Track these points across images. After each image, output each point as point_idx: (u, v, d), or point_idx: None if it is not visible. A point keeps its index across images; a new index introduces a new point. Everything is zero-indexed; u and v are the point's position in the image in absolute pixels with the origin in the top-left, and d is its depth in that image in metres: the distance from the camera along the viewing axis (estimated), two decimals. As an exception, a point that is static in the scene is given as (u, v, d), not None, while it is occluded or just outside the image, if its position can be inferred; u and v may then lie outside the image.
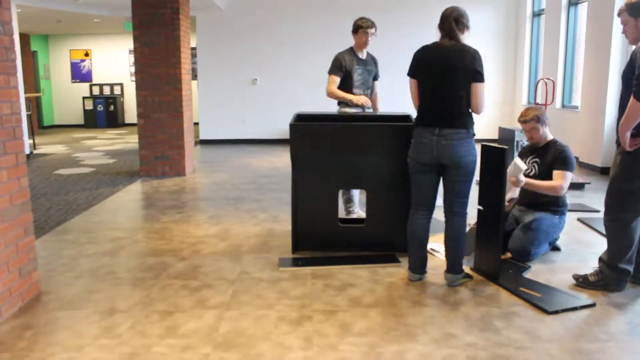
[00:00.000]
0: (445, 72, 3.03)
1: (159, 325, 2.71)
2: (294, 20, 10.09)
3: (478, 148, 3.05)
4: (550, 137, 3.80)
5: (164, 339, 2.57)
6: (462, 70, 2.99)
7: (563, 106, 8.38)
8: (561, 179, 3.58)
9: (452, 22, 3.05)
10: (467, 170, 3.08)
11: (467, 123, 3.05)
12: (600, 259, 3.15)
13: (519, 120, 3.78)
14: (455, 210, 3.16)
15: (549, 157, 3.70)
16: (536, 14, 9.61)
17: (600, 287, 3.10)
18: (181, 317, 2.80)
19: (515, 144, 7.09)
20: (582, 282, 3.18)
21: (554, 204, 3.69)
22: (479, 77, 3.00)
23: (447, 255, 3.22)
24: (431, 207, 3.25)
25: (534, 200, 3.76)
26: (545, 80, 7.97)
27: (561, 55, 8.33)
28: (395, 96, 8.65)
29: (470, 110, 3.07)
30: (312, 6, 10.05)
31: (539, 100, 8.42)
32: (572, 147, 3.66)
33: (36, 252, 3.20)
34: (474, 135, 3.09)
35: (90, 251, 3.92)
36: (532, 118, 3.72)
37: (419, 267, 3.29)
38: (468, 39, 3.13)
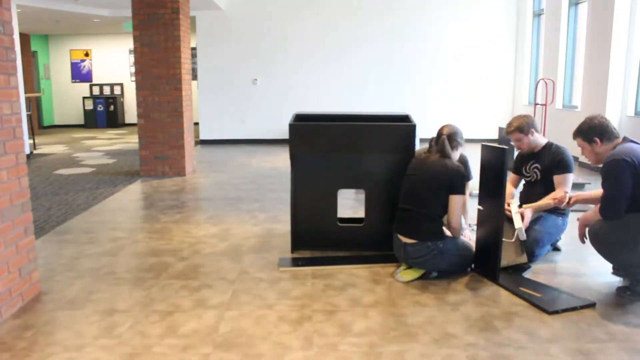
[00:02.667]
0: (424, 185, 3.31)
1: (159, 325, 2.71)
2: (294, 20, 10.08)
3: (478, 148, 3.05)
4: (544, 141, 3.77)
5: (164, 339, 2.57)
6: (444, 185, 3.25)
7: (563, 106, 8.38)
8: (562, 185, 3.57)
9: (445, 140, 3.32)
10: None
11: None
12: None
13: (504, 132, 3.75)
14: None
15: (547, 161, 3.68)
16: (536, 14, 9.61)
17: None
18: (181, 317, 2.81)
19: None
20: (630, 294, 3.02)
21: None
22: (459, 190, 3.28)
23: None
24: None
25: (537, 201, 3.75)
26: (546, 80, 7.98)
27: (561, 55, 8.32)
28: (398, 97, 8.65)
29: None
30: (312, 6, 10.04)
31: (539, 101, 8.42)
32: (572, 148, 3.65)
33: (36, 252, 3.20)
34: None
35: (90, 251, 3.92)
36: (513, 130, 3.71)
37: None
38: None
